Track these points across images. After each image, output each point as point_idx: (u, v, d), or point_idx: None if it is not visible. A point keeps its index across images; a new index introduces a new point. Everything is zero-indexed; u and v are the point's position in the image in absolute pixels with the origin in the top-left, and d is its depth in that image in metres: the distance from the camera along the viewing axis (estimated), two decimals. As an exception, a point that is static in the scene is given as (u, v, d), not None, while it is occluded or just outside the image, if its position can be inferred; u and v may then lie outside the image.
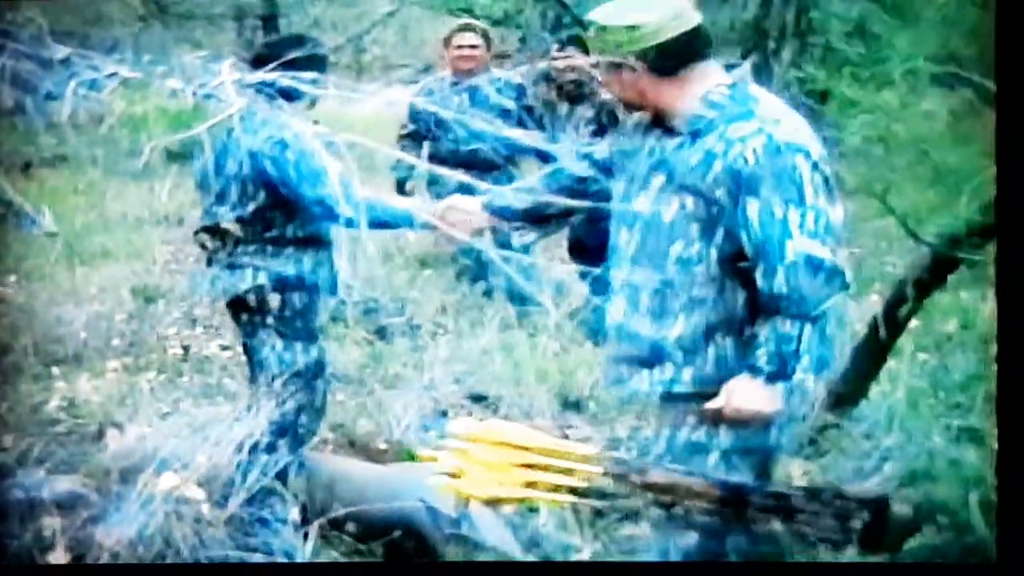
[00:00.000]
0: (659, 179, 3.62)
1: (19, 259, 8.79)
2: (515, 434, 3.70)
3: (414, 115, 7.92)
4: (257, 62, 4.01)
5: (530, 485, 3.61)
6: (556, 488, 3.61)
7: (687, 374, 3.65)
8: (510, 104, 7.73)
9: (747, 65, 3.69)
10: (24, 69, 3.02)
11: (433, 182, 7.90)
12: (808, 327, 3.47)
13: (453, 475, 3.64)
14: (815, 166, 3.43)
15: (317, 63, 4.55)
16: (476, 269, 7.97)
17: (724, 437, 3.65)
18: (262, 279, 4.78)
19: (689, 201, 3.54)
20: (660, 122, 3.66)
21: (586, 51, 7.66)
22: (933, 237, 4.51)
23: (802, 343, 3.48)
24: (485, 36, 8.16)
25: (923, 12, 4.59)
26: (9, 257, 8.77)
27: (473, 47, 8.01)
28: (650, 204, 3.62)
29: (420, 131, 7.97)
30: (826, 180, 3.45)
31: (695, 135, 3.55)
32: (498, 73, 8.10)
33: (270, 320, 4.83)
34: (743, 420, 3.60)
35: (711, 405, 3.59)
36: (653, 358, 3.67)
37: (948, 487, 4.71)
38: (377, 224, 4.37)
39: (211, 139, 2.63)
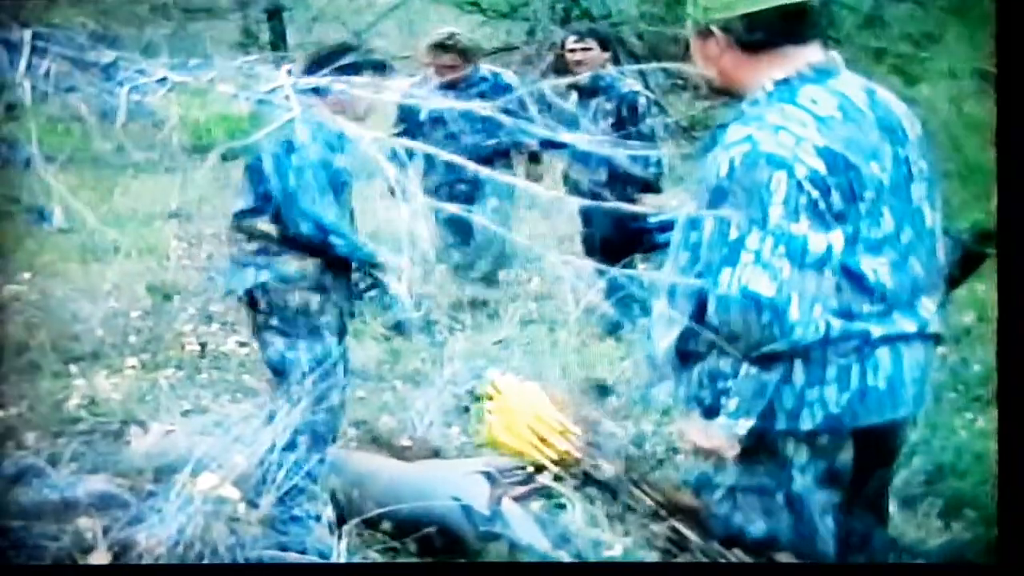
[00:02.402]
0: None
1: (33, 256, 8.80)
2: (541, 405, 3.77)
3: (404, 115, 7.92)
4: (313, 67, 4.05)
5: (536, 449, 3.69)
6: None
7: (682, 391, 3.37)
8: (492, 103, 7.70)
9: (830, 56, 3.29)
10: (62, 71, 3.01)
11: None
12: (747, 367, 3.11)
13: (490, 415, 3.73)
14: (798, 186, 3.02)
15: (379, 67, 4.64)
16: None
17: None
18: (264, 276, 4.83)
19: (692, 207, 3.25)
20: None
21: (604, 45, 7.71)
22: (965, 233, 4.49)
23: (734, 384, 3.15)
24: (465, 52, 8.08)
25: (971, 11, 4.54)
26: (22, 254, 8.77)
27: (452, 66, 7.94)
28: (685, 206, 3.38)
29: (411, 130, 7.95)
30: (814, 203, 3.04)
31: (723, 130, 3.24)
32: (487, 69, 8.12)
33: (275, 321, 4.88)
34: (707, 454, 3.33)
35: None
36: (665, 367, 3.39)
37: (975, 481, 4.73)
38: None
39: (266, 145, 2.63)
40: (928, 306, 3.29)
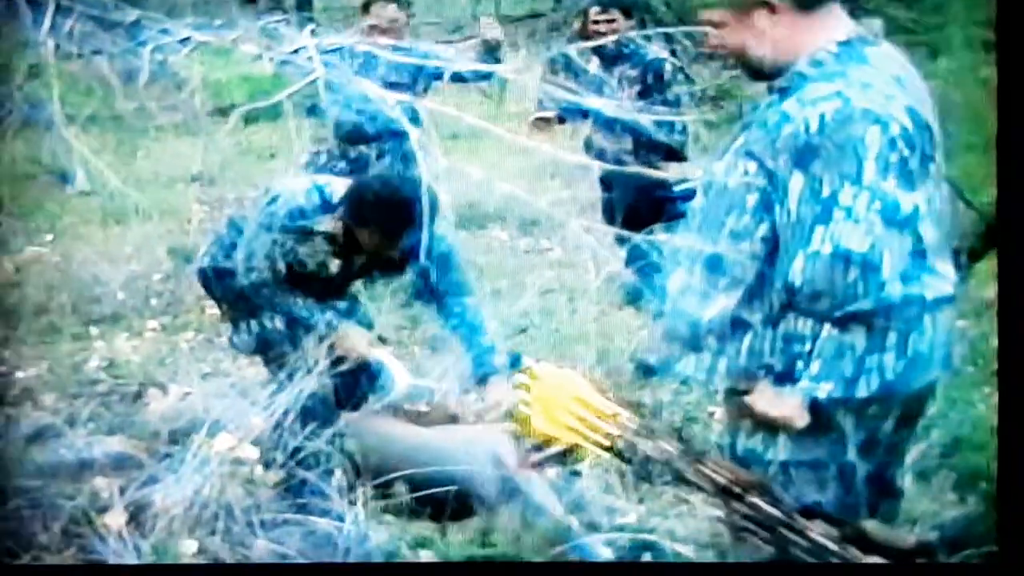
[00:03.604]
0: (739, 141, 3.23)
1: (54, 218, 8.82)
2: (583, 390, 3.72)
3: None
4: None
5: (579, 435, 3.65)
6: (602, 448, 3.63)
7: (722, 365, 3.28)
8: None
9: (876, 23, 3.29)
10: (87, 31, 3.01)
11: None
12: (829, 328, 3.06)
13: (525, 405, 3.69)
14: (891, 143, 2.99)
15: None
16: None
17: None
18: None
19: (752, 168, 3.15)
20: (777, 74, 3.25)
21: (628, 14, 7.67)
22: (987, 206, 4.47)
23: (816, 347, 3.09)
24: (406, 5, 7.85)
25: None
26: (44, 216, 8.80)
27: (392, 20, 7.69)
28: (723, 168, 3.25)
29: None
30: (904, 161, 3.00)
31: (783, 93, 3.17)
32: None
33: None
34: (772, 425, 3.24)
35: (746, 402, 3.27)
36: (696, 341, 3.29)
37: (991, 455, 4.72)
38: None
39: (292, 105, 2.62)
40: (947, 269, 3.21)
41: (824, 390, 3.10)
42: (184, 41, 2.83)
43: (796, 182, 3.06)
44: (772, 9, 3.18)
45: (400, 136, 5.50)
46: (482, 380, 4.91)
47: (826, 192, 3.01)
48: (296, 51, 2.66)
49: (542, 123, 7.63)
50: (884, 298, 3.01)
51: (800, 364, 3.13)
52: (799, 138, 3.05)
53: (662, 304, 3.41)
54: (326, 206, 4.68)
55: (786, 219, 3.10)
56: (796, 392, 3.13)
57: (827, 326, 3.07)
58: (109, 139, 8.79)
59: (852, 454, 3.25)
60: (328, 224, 4.68)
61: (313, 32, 2.70)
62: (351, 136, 6.85)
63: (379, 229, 4.53)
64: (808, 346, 3.11)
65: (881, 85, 3.07)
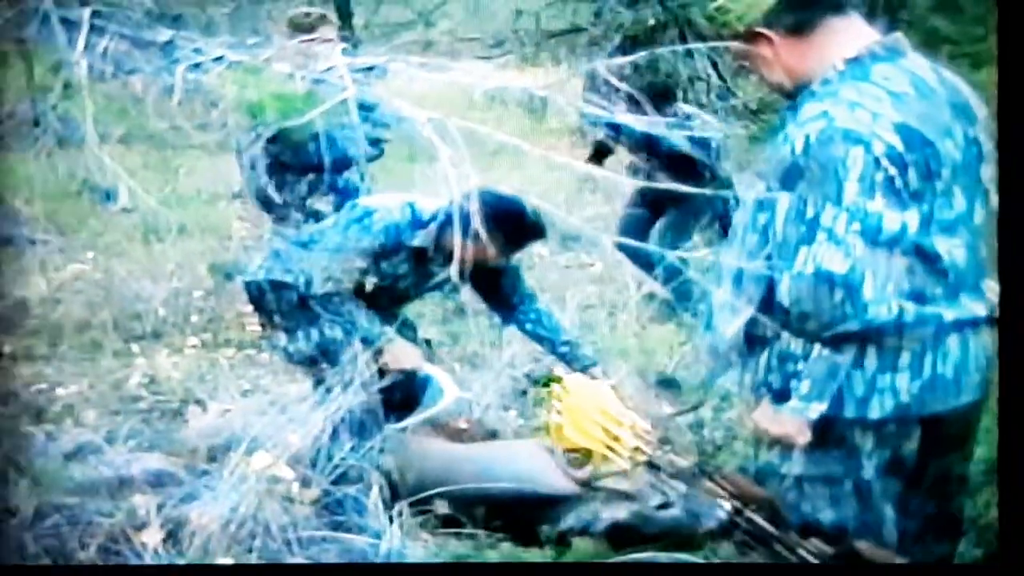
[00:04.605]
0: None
1: (96, 235, 8.85)
2: (610, 402, 3.72)
3: None
4: None
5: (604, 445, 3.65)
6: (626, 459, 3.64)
7: (747, 378, 3.34)
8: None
9: (897, 36, 3.23)
10: (122, 50, 3.02)
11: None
12: (819, 348, 3.09)
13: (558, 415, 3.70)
14: (875, 162, 2.97)
15: None
16: None
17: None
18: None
19: (761, 187, 3.18)
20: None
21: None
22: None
23: (806, 367, 3.12)
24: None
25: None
26: (86, 233, 8.83)
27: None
28: (750, 185, 3.32)
29: None
30: (890, 180, 2.98)
31: (793, 112, 3.17)
32: None
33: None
34: (776, 442, 3.29)
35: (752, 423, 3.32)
36: (729, 356, 3.34)
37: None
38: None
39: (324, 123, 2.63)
40: (994, 288, 3.22)
41: (815, 411, 3.13)
42: (217, 60, 2.83)
43: (783, 202, 3.07)
44: (769, 39, 3.20)
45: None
46: (584, 370, 4.97)
47: (810, 213, 3.01)
48: (328, 69, 2.66)
49: (595, 159, 7.73)
50: (869, 320, 3.01)
51: (794, 383, 3.15)
52: (787, 159, 3.06)
53: (707, 319, 3.42)
54: (417, 222, 4.84)
55: (774, 239, 3.11)
56: (788, 411, 3.16)
57: (817, 346, 3.09)
58: (151, 157, 8.84)
59: (870, 472, 3.27)
60: (420, 239, 4.84)
61: (344, 51, 2.70)
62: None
63: (498, 240, 4.56)
64: (800, 365, 3.14)
65: (871, 103, 3.05)
